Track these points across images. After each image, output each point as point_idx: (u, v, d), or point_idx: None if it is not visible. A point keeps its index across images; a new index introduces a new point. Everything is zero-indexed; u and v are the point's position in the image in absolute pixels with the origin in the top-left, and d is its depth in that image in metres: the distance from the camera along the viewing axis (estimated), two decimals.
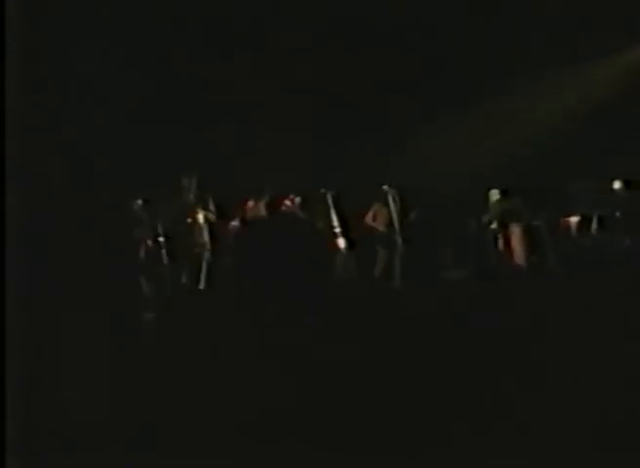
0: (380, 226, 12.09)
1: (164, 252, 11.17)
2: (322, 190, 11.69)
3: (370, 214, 12.19)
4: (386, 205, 11.85)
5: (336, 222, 11.64)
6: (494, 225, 12.27)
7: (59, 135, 11.97)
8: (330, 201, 11.65)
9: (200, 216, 11.25)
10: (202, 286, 11.01)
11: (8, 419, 5.07)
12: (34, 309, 8.03)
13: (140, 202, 11.22)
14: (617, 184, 12.09)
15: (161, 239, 11.19)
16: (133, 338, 7.22)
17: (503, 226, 12.21)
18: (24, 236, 10.46)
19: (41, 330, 7.14)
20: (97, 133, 12.26)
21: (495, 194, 12.35)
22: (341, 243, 11.66)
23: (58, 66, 12.12)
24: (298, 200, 11.65)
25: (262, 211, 11.46)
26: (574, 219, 12.31)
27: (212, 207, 11.24)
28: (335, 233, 11.64)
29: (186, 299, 10.76)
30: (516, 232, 12.12)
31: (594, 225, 12.13)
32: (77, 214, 11.20)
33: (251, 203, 11.51)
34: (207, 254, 11.12)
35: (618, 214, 11.96)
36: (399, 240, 11.73)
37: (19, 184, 10.04)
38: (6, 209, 6.51)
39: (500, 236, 12.18)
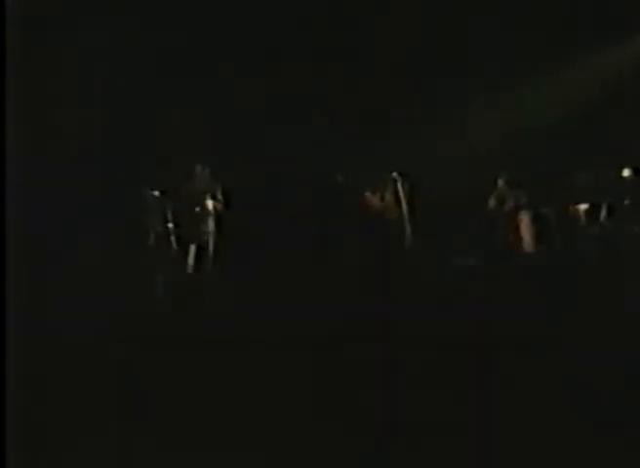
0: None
1: (173, 238, 11.20)
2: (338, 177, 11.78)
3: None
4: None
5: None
6: (502, 213, 12.27)
7: (68, 120, 11.99)
8: None
9: (209, 203, 11.27)
10: (206, 271, 11.07)
11: (8, 419, 5.07)
12: (38, 298, 8.07)
13: (151, 190, 11.23)
14: (626, 172, 12.06)
15: (170, 226, 11.20)
16: (140, 330, 7.21)
17: (512, 214, 12.20)
18: (35, 222, 10.52)
19: (43, 324, 7.16)
20: (108, 119, 12.29)
21: (503, 181, 12.35)
22: None
23: (64, 45, 12.12)
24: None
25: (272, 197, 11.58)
26: (582, 207, 12.27)
27: (220, 196, 11.28)
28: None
29: (194, 285, 10.78)
30: (524, 220, 12.12)
31: (603, 213, 12.10)
32: (87, 201, 11.24)
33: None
34: (212, 243, 11.18)
35: (627, 201, 11.93)
36: (408, 227, 11.74)
37: (27, 172, 10.11)
38: (7, 197, 6.50)
39: (508, 224, 12.18)
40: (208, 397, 5.49)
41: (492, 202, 12.29)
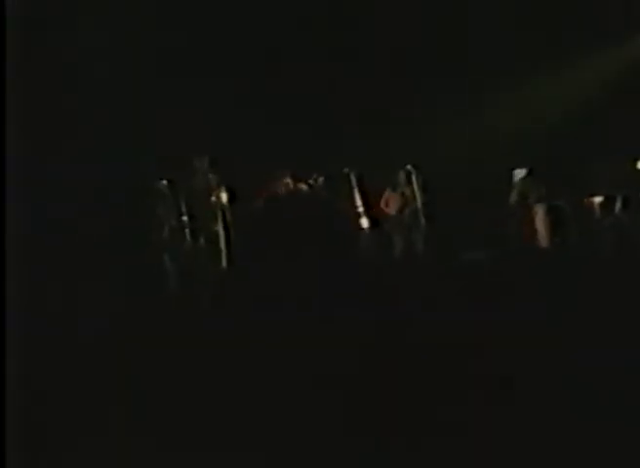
0: (392, 211, 12.12)
1: (187, 231, 11.15)
2: (345, 170, 11.69)
3: (382, 201, 12.25)
4: (398, 188, 11.91)
5: (359, 202, 11.65)
6: (516, 206, 12.24)
7: (68, 120, 11.99)
8: (353, 181, 11.65)
9: (223, 195, 11.23)
10: (224, 264, 11.02)
11: (8, 419, 5.08)
12: (38, 298, 8.08)
13: (164, 181, 11.19)
14: None
15: (184, 218, 11.16)
16: (144, 339, 7.21)
17: (527, 206, 12.17)
18: (40, 236, 10.55)
19: (43, 324, 7.17)
20: (113, 133, 12.30)
21: (519, 173, 12.31)
22: (364, 222, 11.68)
23: (64, 45, 12.13)
24: (321, 180, 11.68)
25: (283, 190, 11.55)
26: (597, 200, 12.24)
27: (232, 187, 11.23)
28: (358, 213, 11.65)
29: (209, 279, 10.77)
30: (539, 212, 12.09)
31: (618, 206, 12.07)
32: (94, 213, 11.25)
33: (273, 182, 11.54)
34: (225, 234, 11.12)
35: None
36: (422, 220, 11.72)
37: (27, 172, 10.12)
38: (7, 197, 6.50)
39: (523, 216, 12.15)
40: (209, 397, 5.48)
41: (513, 196, 12.23)
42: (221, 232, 11.05)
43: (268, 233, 10.94)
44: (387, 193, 12.22)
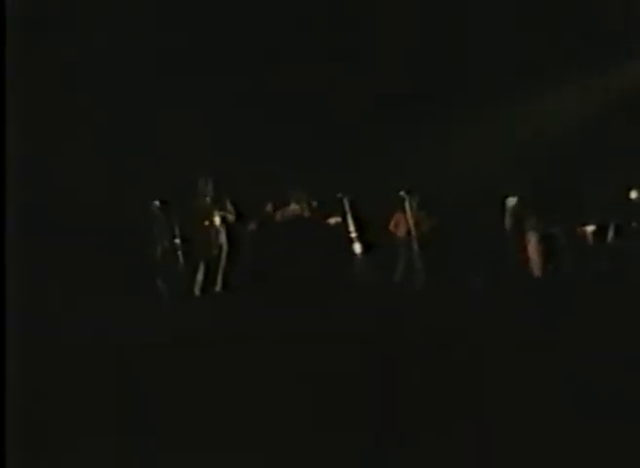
0: (402, 233, 12.16)
1: (180, 253, 11.11)
2: (339, 194, 11.70)
3: (392, 222, 12.30)
4: (404, 211, 11.87)
5: (352, 227, 11.66)
6: (509, 233, 12.26)
7: (68, 120, 11.97)
8: (346, 205, 11.67)
9: (217, 218, 11.20)
10: (219, 287, 11.01)
11: (8, 419, 5.06)
12: (38, 298, 8.04)
13: (157, 203, 11.15)
14: (633, 194, 12.07)
15: (177, 240, 11.12)
16: (144, 339, 7.19)
17: (520, 234, 12.19)
18: (40, 236, 10.52)
19: (43, 324, 7.14)
20: (113, 133, 12.30)
21: (511, 202, 12.33)
22: (357, 248, 11.69)
23: (64, 45, 12.13)
24: (314, 204, 11.71)
25: (279, 214, 11.57)
26: (590, 228, 12.28)
27: (230, 208, 11.21)
28: (351, 238, 11.66)
29: (202, 301, 10.75)
30: (532, 240, 12.10)
31: (611, 234, 12.11)
32: (94, 213, 11.21)
33: (269, 206, 11.57)
34: (224, 256, 11.09)
35: (634, 223, 11.94)
36: (415, 246, 11.72)
37: (27, 172, 10.08)
38: (7, 197, 6.49)
39: (516, 244, 12.17)
40: (208, 396, 5.47)
41: (508, 223, 12.24)
42: (223, 253, 11.06)
43: (262, 256, 10.95)
44: (397, 215, 12.23)
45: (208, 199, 11.19)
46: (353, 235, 11.68)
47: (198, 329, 7.30)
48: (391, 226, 12.41)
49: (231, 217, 11.16)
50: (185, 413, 5.27)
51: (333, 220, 11.73)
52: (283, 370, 6.07)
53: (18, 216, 7.52)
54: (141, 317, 7.82)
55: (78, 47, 12.21)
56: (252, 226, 11.39)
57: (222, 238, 11.15)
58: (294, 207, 11.71)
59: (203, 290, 11.01)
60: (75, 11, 12.13)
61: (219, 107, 12.82)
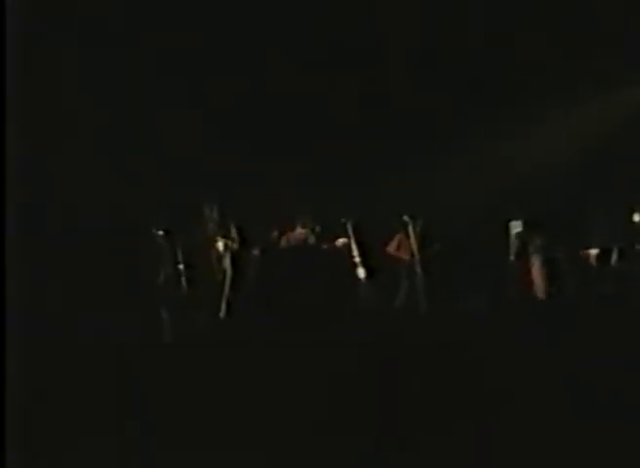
0: (404, 255, 12.15)
1: (184, 280, 11.10)
2: (342, 219, 11.71)
3: (394, 244, 12.28)
4: (407, 234, 11.88)
5: (355, 252, 11.66)
6: (513, 257, 12.28)
7: (68, 120, 11.98)
8: (350, 230, 11.68)
9: (220, 245, 11.20)
10: (222, 314, 10.99)
11: (8, 419, 5.07)
12: (38, 298, 8.03)
13: (160, 231, 11.15)
14: (637, 217, 12.07)
15: (181, 267, 11.11)
16: (149, 363, 7.19)
17: (523, 258, 12.20)
18: (40, 236, 10.50)
19: (43, 324, 7.15)
20: (113, 133, 12.30)
21: (515, 226, 12.35)
22: (361, 272, 11.68)
23: (64, 45, 12.18)
24: (318, 229, 11.72)
25: (284, 240, 11.58)
26: (593, 252, 12.28)
27: (234, 235, 11.20)
28: (354, 263, 11.67)
29: (206, 328, 10.74)
30: (536, 264, 12.11)
31: (614, 257, 12.10)
32: (93, 214, 11.20)
33: (275, 233, 11.59)
34: (228, 283, 11.08)
35: (638, 246, 11.93)
36: (419, 270, 11.72)
37: (27, 172, 10.07)
38: (7, 197, 6.51)
39: (519, 267, 12.18)
40: (208, 396, 5.47)
41: (513, 247, 12.24)
42: (227, 280, 11.04)
43: (266, 282, 10.95)
44: (400, 236, 12.22)
45: (212, 225, 11.19)
46: (357, 260, 11.67)
47: (201, 350, 7.30)
48: (392, 247, 12.33)
49: (235, 246, 11.15)
50: (185, 413, 5.28)
51: (340, 242, 11.71)
52: (287, 390, 6.09)
53: (18, 216, 7.53)
54: (141, 317, 7.82)
55: (78, 47, 12.22)
56: (255, 252, 11.39)
57: (227, 263, 11.15)
58: (299, 231, 11.72)
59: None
60: (75, 11, 12.12)
61: (222, 133, 12.85)
